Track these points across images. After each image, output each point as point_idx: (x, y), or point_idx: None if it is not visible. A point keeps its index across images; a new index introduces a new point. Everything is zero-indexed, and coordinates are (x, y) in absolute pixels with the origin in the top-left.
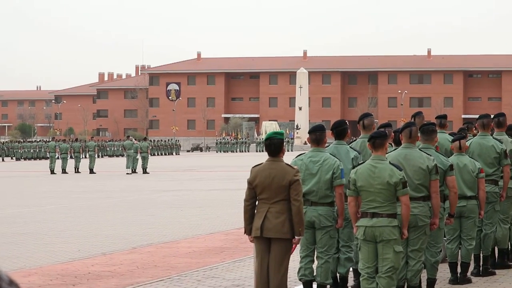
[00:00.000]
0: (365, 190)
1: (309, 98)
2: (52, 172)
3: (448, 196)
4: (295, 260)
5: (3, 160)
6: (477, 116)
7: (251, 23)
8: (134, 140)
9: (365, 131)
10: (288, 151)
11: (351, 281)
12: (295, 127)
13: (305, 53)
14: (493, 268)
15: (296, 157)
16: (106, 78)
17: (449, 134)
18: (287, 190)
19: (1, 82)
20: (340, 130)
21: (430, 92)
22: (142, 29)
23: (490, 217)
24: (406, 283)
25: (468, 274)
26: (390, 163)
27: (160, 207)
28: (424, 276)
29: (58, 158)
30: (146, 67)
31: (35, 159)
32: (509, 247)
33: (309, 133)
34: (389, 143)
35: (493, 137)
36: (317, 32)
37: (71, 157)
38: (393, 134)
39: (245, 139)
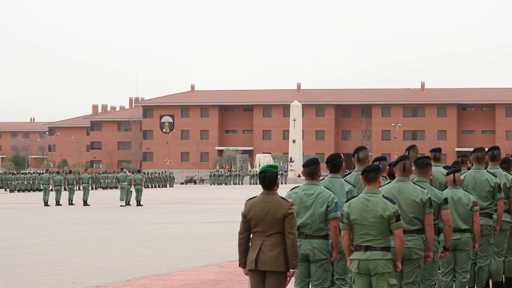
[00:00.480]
0: (358, 224)
1: (303, 131)
2: (46, 204)
3: (443, 229)
4: None
5: None
6: (470, 149)
7: (244, 56)
8: (128, 172)
9: (359, 164)
10: (282, 183)
11: None
12: (289, 159)
13: (298, 86)
14: None
15: (291, 190)
16: (100, 110)
17: (443, 167)
18: (281, 223)
19: None
20: (335, 164)
21: (423, 125)
22: (136, 62)
23: (485, 250)
24: None
25: None
26: (383, 196)
27: (154, 239)
28: None
29: (52, 190)
30: (139, 99)
31: (28, 191)
32: (503, 280)
33: (303, 166)
34: (383, 176)
35: (487, 171)
36: (310, 65)
37: (65, 189)
38: (387, 167)
39: (239, 171)
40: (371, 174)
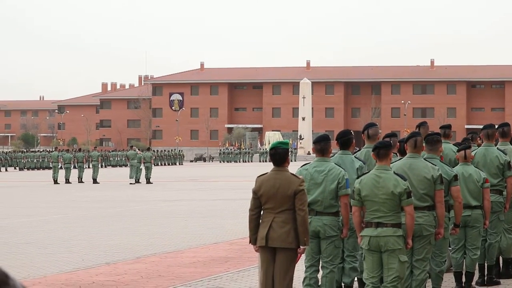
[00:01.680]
0: (369, 200)
1: (312, 108)
2: (55, 182)
3: (453, 206)
4: (300, 270)
5: (6, 170)
6: (480, 127)
7: (254, 33)
8: (137, 150)
9: (369, 141)
10: (291, 161)
11: None
12: (298, 137)
13: (308, 63)
14: (497, 278)
15: (301, 166)
16: (109, 88)
17: (453, 144)
18: (292, 200)
19: (4, 92)
20: (345, 140)
21: (433, 103)
22: (145, 40)
23: (495, 226)
24: None
25: (473, 283)
26: (394, 173)
27: (164, 217)
28: (429, 285)
29: (61, 168)
30: (149, 77)
31: (38, 169)
32: None
33: (314, 143)
34: (394, 153)
35: (497, 148)
36: (320, 42)
37: (74, 167)
38: (398, 144)
39: (248, 149)
40: (382, 151)
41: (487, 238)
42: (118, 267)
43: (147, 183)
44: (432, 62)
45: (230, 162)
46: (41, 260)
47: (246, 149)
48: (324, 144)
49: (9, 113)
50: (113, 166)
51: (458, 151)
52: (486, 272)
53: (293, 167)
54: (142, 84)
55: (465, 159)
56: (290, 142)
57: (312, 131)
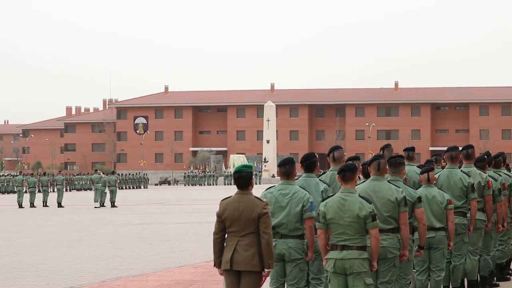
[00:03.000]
0: (335, 223)
1: (276, 131)
2: (20, 206)
3: (417, 228)
4: None
5: None
6: (444, 148)
7: (218, 57)
8: (102, 173)
9: (335, 163)
10: (256, 184)
11: None
12: (263, 160)
13: (272, 86)
14: None
15: (266, 189)
16: (73, 112)
17: (417, 166)
18: (256, 223)
19: None
20: (310, 163)
21: (397, 125)
22: (109, 62)
23: (459, 248)
24: None
25: None
26: (359, 195)
27: (128, 240)
28: None
29: (26, 192)
30: (113, 101)
31: (2, 193)
32: (478, 279)
33: (279, 166)
34: (357, 176)
35: (461, 170)
36: (284, 65)
37: (39, 191)
38: (361, 167)
39: (213, 172)
40: (348, 174)
41: (452, 260)
42: None
43: (112, 206)
44: (396, 84)
45: (195, 185)
46: (7, 284)
47: (210, 172)
48: (289, 167)
49: None
50: (78, 190)
51: (421, 173)
52: None
53: (258, 190)
54: (107, 107)
55: (428, 181)
56: (255, 165)
57: (277, 154)
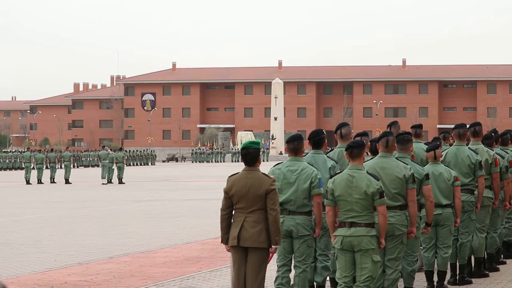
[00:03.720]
0: (343, 200)
1: (284, 108)
2: (28, 182)
3: (424, 205)
4: (272, 269)
5: None
6: (452, 126)
7: (225, 34)
8: (109, 150)
9: (342, 140)
10: (263, 161)
11: None
12: (271, 137)
13: (280, 63)
14: (469, 277)
15: (274, 166)
16: (81, 89)
17: (425, 144)
18: (263, 200)
19: None
20: (318, 140)
21: (405, 102)
22: (117, 40)
23: (466, 226)
24: None
25: (445, 283)
26: (367, 172)
27: (136, 217)
28: (401, 284)
29: (33, 168)
30: (121, 78)
31: (10, 169)
32: (485, 256)
33: (287, 142)
34: (365, 152)
35: (468, 147)
36: (292, 42)
37: (46, 168)
38: (369, 143)
39: (221, 149)
40: (355, 150)
41: (459, 238)
42: (90, 267)
43: (119, 183)
44: (404, 61)
45: (202, 162)
46: (14, 260)
47: (218, 149)
48: (297, 143)
49: None
50: (85, 166)
51: (427, 150)
52: (458, 271)
53: (265, 167)
54: (114, 84)
55: (435, 158)
56: (262, 142)
57: (284, 131)
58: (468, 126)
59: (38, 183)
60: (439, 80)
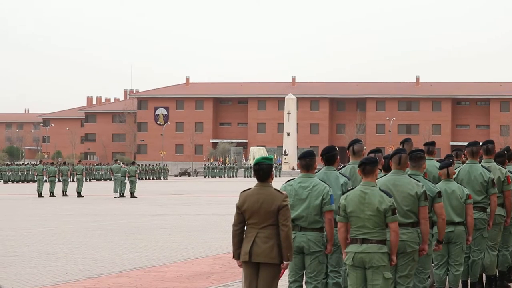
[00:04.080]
0: (355, 216)
1: (297, 124)
2: (40, 195)
3: (436, 222)
4: (283, 286)
5: None
6: (465, 144)
7: (239, 49)
8: (122, 164)
9: (354, 157)
10: (275, 176)
11: None
12: (283, 152)
13: (293, 79)
14: None
15: (286, 182)
16: (94, 102)
17: (437, 161)
18: (275, 215)
19: None
20: (330, 156)
21: (418, 119)
22: (131, 53)
23: (478, 243)
24: None
25: None
26: (380, 189)
27: (148, 231)
28: None
29: (45, 181)
30: (134, 91)
31: (22, 182)
32: (497, 274)
33: (299, 158)
34: (378, 169)
35: (481, 165)
36: (306, 58)
37: (58, 181)
38: (383, 160)
39: (233, 164)
40: (368, 167)
41: (471, 255)
42: (101, 280)
43: (131, 197)
44: (417, 78)
45: (215, 177)
46: (25, 273)
47: (230, 164)
48: (309, 160)
49: None
50: (97, 180)
51: (440, 168)
52: None
53: (278, 183)
54: (127, 98)
55: (448, 176)
56: (275, 157)
57: (297, 146)
58: (481, 144)
59: (50, 196)
60: (452, 97)
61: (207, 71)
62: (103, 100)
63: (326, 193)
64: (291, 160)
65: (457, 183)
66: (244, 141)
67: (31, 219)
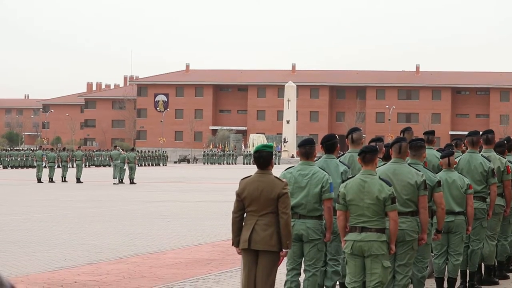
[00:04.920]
0: (354, 205)
1: (297, 111)
2: (39, 181)
3: (436, 211)
4: (282, 273)
5: None
6: (464, 133)
7: (239, 36)
8: (121, 150)
9: (353, 145)
10: (275, 164)
11: None
12: (283, 140)
13: (293, 66)
14: (479, 284)
15: (286, 170)
16: (94, 88)
17: (437, 150)
18: (275, 203)
19: None
20: (330, 144)
21: (418, 108)
22: (131, 40)
23: (478, 233)
24: None
25: None
26: (379, 178)
27: (147, 217)
28: None
29: (45, 167)
30: (134, 78)
31: (22, 167)
32: (496, 264)
33: (299, 146)
34: (378, 158)
35: (481, 155)
36: (305, 46)
37: (58, 166)
38: (384, 148)
39: (232, 151)
40: (368, 155)
41: (470, 245)
42: (100, 267)
43: (130, 183)
44: (417, 67)
45: (214, 164)
46: (24, 258)
47: (230, 151)
48: (308, 147)
49: None
50: (96, 166)
51: (442, 157)
52: (468, 279)
53: (277, 170)
54: (127, 84)
55: (449, 165)
56: (274, 145)
57: (297, 134)
58: (481, 133)
59: (50, 181)
60: (452, 86)
61: (207, 58)
62: (103, 86)
63: (325, 181)
64: (290, 147)
65: (458, 172)
66: (244, 128)
67: (30, 204)
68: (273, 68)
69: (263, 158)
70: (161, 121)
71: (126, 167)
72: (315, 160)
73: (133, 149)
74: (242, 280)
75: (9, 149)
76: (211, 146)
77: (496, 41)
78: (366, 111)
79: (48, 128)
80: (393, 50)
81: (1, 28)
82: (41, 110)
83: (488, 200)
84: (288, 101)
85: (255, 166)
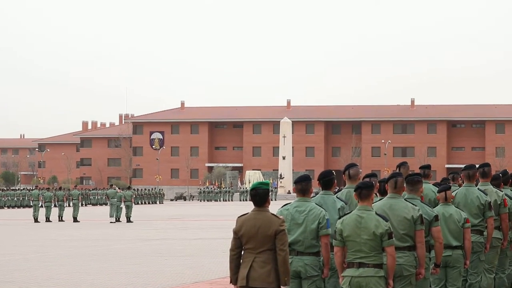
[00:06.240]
0: (351, 240)
1: (292, 147)
2: (36, 220)
3: (434, 246)
4: None
5: None
6: (461, 166)
7: (234, 72)
8: (117, 188)
9: (350, 181)
10: (271, 200)
11: None
12: (279, 176)
13: (288, 102)
14: None
15: (282, 206)
16: (89, 127)
17: (433, 184)
18: (272, 240)
19: None
20: (327, 181)
21: (413, 142)
22: (126, 78)
23: (475, 267)
24: None
25: None
26: (376, 213)
27: (144, 256)
28: None
29: (41, 206)
30: (129, 116)
31: (18, 207)
32: None
33: (295, 183)
34: (374, 193)
35: (478, 188)
36: (300, 82)
37: (54, 206)
38: (378, 184)
39: (229, 188)
40: (364, 191)
41: (468, 278)
42: None
43: (127, 222)
44: (412, 101)
45: (211, 201)
46: None
47: (226, 188)
48: (305, 184)
49: None
50: (93, 204)
51: (439, 191)
52: None
53: (274, 206)
54: (123, 122)
55: (446, 199)
56: (271, 181)
57: (293, 170)
58: (477, 167)
59: (46, 221)
60: (447, 119)
61: (202, 95)
62: (99, 125)
63: (322, 217)
64: (286, 183)
65: (454, 206)
66: (240, 165)
67: (28, 244)
68: (268, 104)
69: (260, 195)
70: (157, 159)
71: (122, 205)
72: (312, 196)
73: (129, 187)
74: None
75: (6, 189)
76: (207, 183)
77: (491, 74)
78: (362, 146)
79: (44, 168)
80: (387, 85)
81: None
82: (36, 149)
83: (485, 233)
84: (284, 137)
85: (251, 202)
